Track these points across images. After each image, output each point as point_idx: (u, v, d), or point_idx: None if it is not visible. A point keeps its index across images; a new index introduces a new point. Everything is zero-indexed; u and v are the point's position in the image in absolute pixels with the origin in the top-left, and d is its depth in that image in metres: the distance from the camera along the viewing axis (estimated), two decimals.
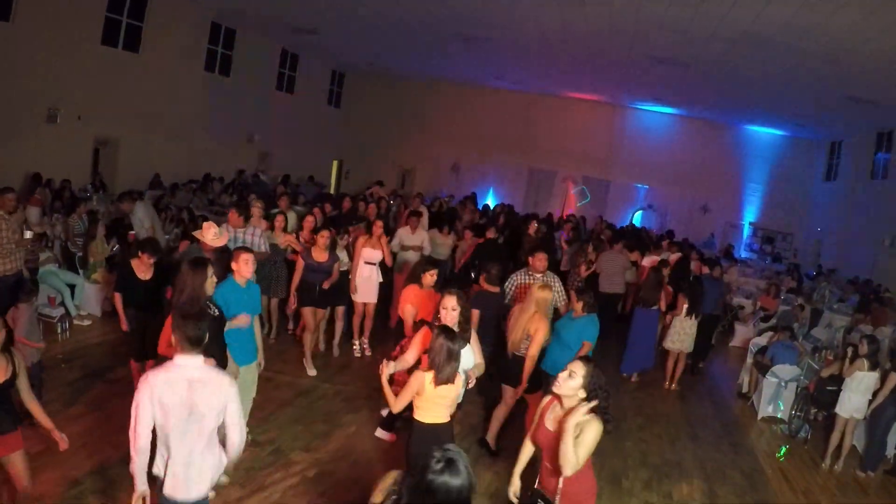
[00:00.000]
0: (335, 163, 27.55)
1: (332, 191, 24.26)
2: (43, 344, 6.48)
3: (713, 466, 7.48)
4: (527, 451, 4.36)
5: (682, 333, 9.85)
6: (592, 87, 22.02)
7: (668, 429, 8.46)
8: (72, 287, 9.30)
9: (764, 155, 23.62)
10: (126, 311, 6.89)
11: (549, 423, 4.05)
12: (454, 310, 5.39)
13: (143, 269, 7.00)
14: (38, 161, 13.57)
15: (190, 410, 3.61)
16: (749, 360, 10.54)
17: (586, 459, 3.83)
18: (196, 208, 14.38)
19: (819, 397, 8.46)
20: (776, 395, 9.22)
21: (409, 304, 6.95)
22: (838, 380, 7.95)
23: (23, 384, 4.40)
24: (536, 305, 6.48)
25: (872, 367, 7.60)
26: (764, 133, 23.54)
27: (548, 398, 4.16)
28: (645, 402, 9.27)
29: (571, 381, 3.89)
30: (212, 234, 6.84)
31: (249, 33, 19.77)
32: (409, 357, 5.46)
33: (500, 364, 6.76)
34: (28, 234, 7.99)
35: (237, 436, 3.82)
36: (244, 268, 5.86)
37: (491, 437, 6.90)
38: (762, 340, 10.61)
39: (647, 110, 24.27)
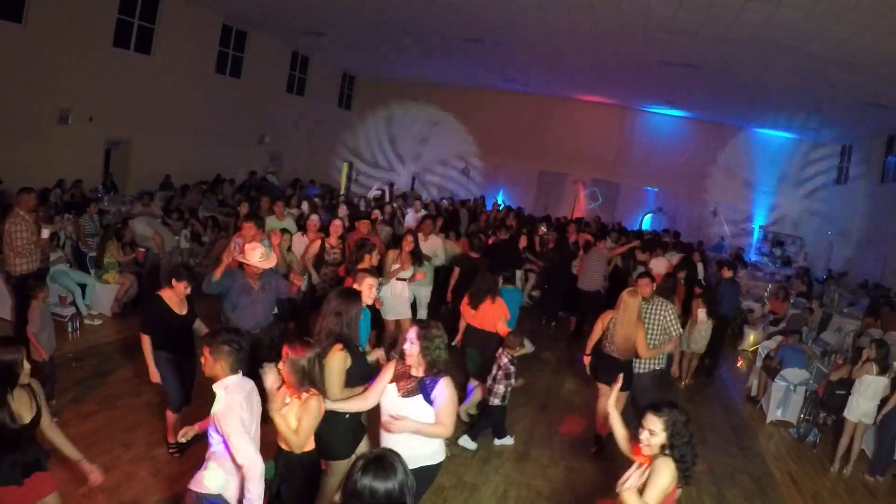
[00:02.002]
0: (345, 165, 27.63)
1: (341, 193, 24.29)
2: (46, 356, 6.49)
3: (722, 470, 7.46)
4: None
5: (698, 336, 9.99)
6: (602, 90, 22.03)
7: None
8: (83, 287, 9.36)
9: (774, 158, 23.53)
10: (157, 355, 5.70)
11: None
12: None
13: (177, 301, 5.80)
14: (49, 162, 13.69)
15: (254, 419, 3.90)
16: (758, 363, 10.51)
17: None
18: (206, 209, 14.45)
19: (828, 401, 8.42)
20: (785, 399, 9.19)
21: None
22: (847, 384, 7.92)
23: (45, 419, 4.02)
24: (632, 310, 6.82)
25: (881, 372, 7.57)
26: (774, 136, 23.45)
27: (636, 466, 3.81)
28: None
29: (655, 438, 3.63)
30: (258, 257, 6.17)
31: (260, 36, 19.85)
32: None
33: (600, 365, 7.09)
34: (45, 234, 8.07)
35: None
36: (368, 295, 5.31)
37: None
38: (771, 344, 10.58)
39: (657, 113, 24.23)
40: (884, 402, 7.61)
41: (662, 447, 3.63)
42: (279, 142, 22.26)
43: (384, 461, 2.58)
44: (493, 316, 7.55)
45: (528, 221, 17.23)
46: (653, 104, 23.12)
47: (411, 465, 3.80)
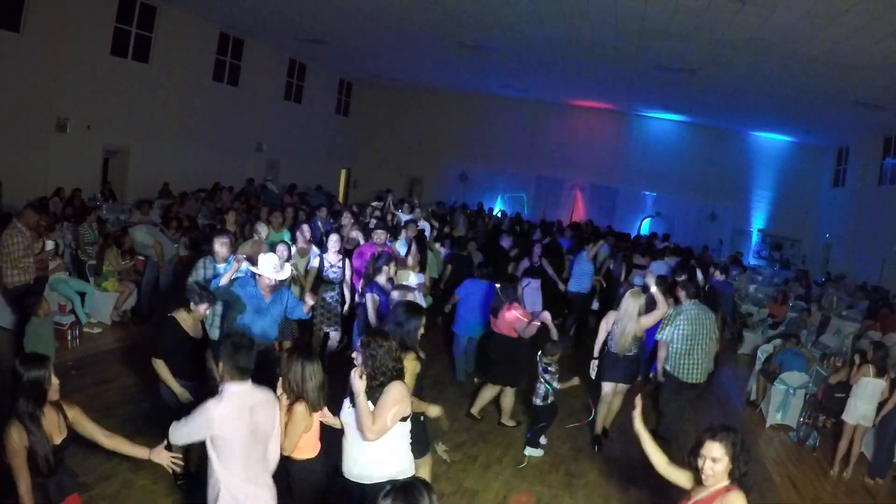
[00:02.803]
0: (343, 172, 27.64)
1: (340, 200, 24.30)
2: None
3: None
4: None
5: None
6: (600, 96, 22.07)
7: (677, 436, 8.44)
8: (82, 295, 9.35)
9: (771, 161, 23.62)
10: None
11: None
12: None
13: (192, 324, 5.54)
14: (47, 170, 13.71)
15: (253, 434, 3.83)
16: (757, 367, 10.52)
17: None
18: (205, 217, 14.45)
19: (827, 404, 8.43)
20: (785, 403, 9.19)
21: None
22: (846, 387, 7.92)
23: (88, 428, 3.90)
24: (632, 310, 7.25)
25: (879, 374, 7.57)
26: (771, 139, 23.53)
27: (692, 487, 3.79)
28: (652, 409, 9.24)
29: (719, 465, 3.53)
30: (272, 268, 6.06)
31: (258, 43, 19.89)
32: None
33: (606, 364, 7.50)
34: (49, 245, 8.08)
35: (276, 448, 4.06)
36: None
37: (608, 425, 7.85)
38: (770, 348, 10.60)
39: (654, 117, 24.28)
40: (882, 404, 7.61)
41: (730, 473, 3.55)
42: (277, 149, 22.27)
43: (412, 490, 2.49)
44: (509, 322, 7.62)
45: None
46: (649, 109, 23.17)
47: (375, 476, 4.09)
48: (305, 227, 9.38)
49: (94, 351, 8.65)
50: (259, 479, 3.90)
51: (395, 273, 7.98)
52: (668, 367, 7.98)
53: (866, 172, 19.24)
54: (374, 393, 4.12)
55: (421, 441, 5.08)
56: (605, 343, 7.57)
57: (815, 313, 13.25)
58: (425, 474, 5.22)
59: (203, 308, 5.52)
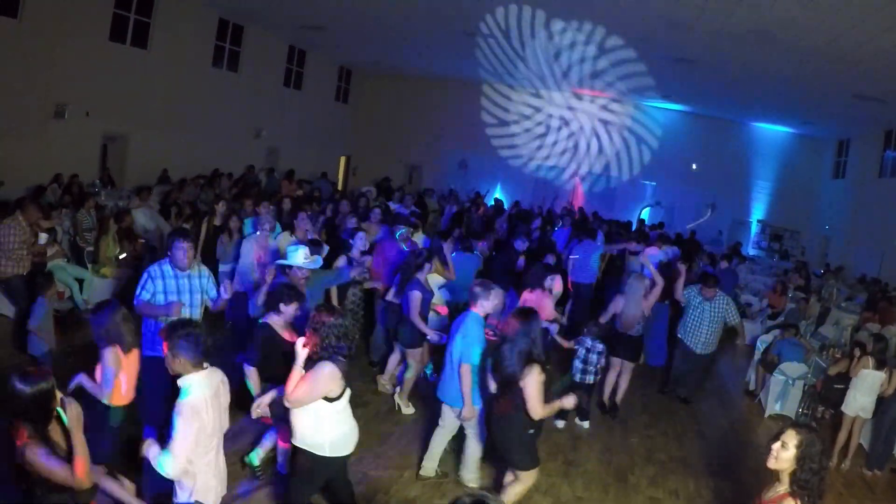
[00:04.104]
0: (343, 159, 27.57)
1: (339, 187, 24.24)
2: (47, 348, 6.50)
3: (720, 464, 7.47)
4: None
5: None
6: (598, 84, 21.95)
7: (675, 426, 8.46)
8: (80, 281, 9.34)
9: (772, 152, 23.59)
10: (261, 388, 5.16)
11: (765, 495, 3.71)
12: None
13: (282, 325, 5.33)
14: (46, 157, 13.65)
15: (219, 418, 3.86)
16: (756, 357, 10.52)
17: None
18: (204, 204, 14.41)
19: (826, 395, 8.44)
20: (783, 393, 9.20)
21: None
22: (846, 378, 7.91)
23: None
24: (638, 292, 8.00)
25: (879, 366, 7.57)
26: (772, 130, 23.48)
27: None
28: (651, 398, 9.26)
29: (785, 453, 3.49)
30: (302, 258, 6.04)
31: (257, 30, 19.79)
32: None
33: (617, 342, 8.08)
34: (43, 238, 8.04)
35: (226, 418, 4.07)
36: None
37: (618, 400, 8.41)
38: (769, 338, 10.60)
39: (656, 107, 24.20)
40: (882, 396, 7.62)
41: (792, 473, 3.49)
42: (276, 136, 22.20)
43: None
44: (541, 307, 7.54)
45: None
46: (651, 98, 23.08)
47: (298, 441, 4.32)
48: (303, 217, 8.90)
49: (92, 337, 8.62)
50: (221, 455, 3.98)
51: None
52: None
53: (867, 164, 19.22)
54: (312, 365, 4.28)
55: (531, 452, 5.16)
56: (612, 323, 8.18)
57: (814, 304, 13.24)
58: (522, 487, 5.21)
59: (293, 309, 5.32)
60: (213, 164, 18.21)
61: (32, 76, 13.34)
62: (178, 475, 3.65)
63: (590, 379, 7.59)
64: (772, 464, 3.55)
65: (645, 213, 23.97)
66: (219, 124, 19.16)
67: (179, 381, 3.70)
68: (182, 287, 5.58)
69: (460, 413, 5.72)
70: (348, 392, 4.46)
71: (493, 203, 20.25)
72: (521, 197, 23.37)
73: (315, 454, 4.36)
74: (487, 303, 5.77)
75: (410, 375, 7.45)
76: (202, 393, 3.68)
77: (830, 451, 7.95)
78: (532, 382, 4.79)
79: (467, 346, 5.55)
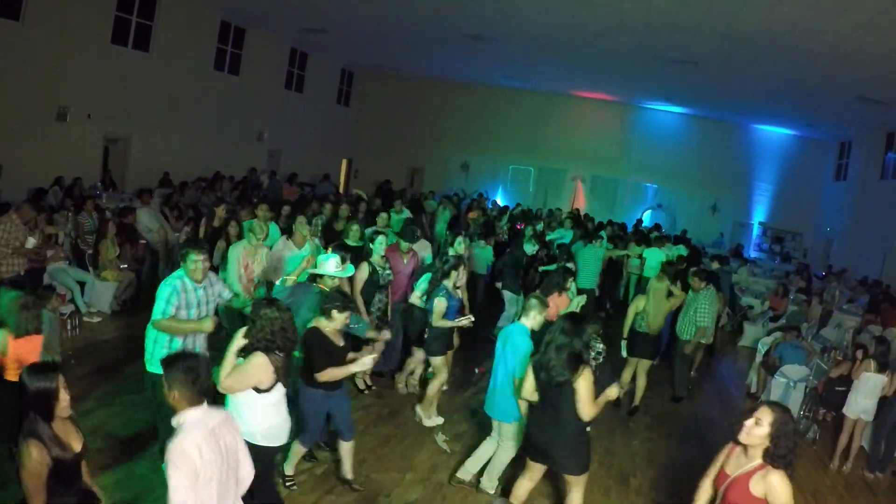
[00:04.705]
0: (344, 161, 27.59)
1: (340, 190, 24.24)
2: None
3: None
4: (705, 494, 4.08)
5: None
6: (603, 87, 22.00)
7: (677, 428, 8.45)
8: (81, 284, 9.34)
9: (774, 154, 23.57)
10: (310, 393, 5.37)
11: (730, 469, 3.86)
12: None
13: (333, 331, 5.33)
14: (48, 159, 13.66)
15: (224, 459, 3.37)
16: (757, 360, 10.52)
17: None
18: (205, 207, 14.42)
19: (828, 398, 8.44)
20: (785, 396, 9.19)
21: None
22: (847, 380, 7.91)
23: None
24: (660, 293, 8.42)
25: (880, 369, 7.56)
26: (774, 133, 23.47)
27: (730, 445, 3.95)
28: (653, 401, 9.24)
29: (758, 430, 3.65)
30: (334, 266, 5.99)
31: (259, 32, 19.80)
32: None
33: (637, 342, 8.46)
34: (31, 243, 8.00)
35: (249, 466, 3.68)
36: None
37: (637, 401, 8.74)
38: (771, 340, 10.59)
39: (657, 109, 24.21)
40: (884, 399, 7.61)
41: (765, 450, 3.64)
42: (278, 139, 22.22)
43: None
44: (559, 308, 7.57)
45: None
46: (652, 100, 23.10)
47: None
48: (301, 222, 8.52)
49: (94, 340, 8.64)
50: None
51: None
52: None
53: (868, 167, 19.20)
54: (247, 354, 4.36)
55: (587, 454, 5.15)
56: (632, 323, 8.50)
57: (815, 307, 13.23)
58: (579, 493, 5.15)
59: (345, 318, 5.28)
60: (215, 167, 18.22)
61: (34, 78, 13.36)
62: None
63: None
64: (743, 438, 3.68)
65: (647, 216, 23.98)
66: (220, 127, 19.17)
67: (172, 420, 3.33)
68: (200, 299, 5.46)
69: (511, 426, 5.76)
70: (280, 387, 4.46)
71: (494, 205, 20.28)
72: (523, 199, 23.38)
73: (247, 441, 4.29)
74: (540, 317, 5.81)
75: (436, 385, 7.29)
76: (195, 434, 3.24)
77: (832, 453, 7.96)
78: (584, 385, 4.79)
79: (519, 362, 5.55)
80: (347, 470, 5.72)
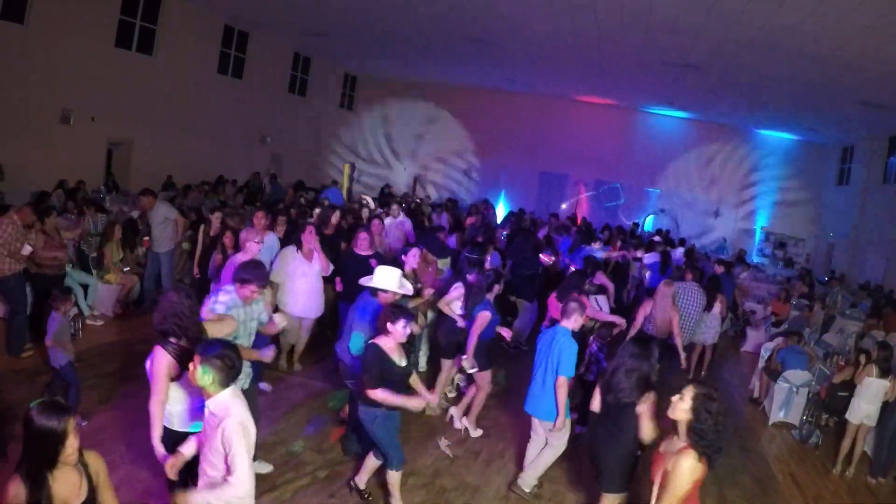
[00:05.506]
0: (346, 166, 27.64)
1: (344, 195, 24.24)
2: (66, 360, 6.53)
3: (723, 471, 7.42)
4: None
5: (708, 325, 10.59)
6: (604, 91, 22.01)
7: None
8: (85, 287, 9.35)
9: (776, 159, 23.56)
10: (371, 413, 5.20)
11: (663, 448, 4.04)
12: None
13: (393, 346, 5.16)
14: (51, 162, 13.69)
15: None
16: (760, 365, 10.51)
17: (682, 498, 3.76)
18: (208, 210, 14.41)
19: (830, 403, 8.42)
20: (787, 401, 9.17)
21: None
22: (850, 386, 7.89)
23: (106, 496, 3.38)
24: (668, 298, 8.74)
25: (883, 374, 7.55)
26: (776, 137, 23.46)
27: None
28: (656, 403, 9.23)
29: (681, 404, 3.80)
30: (396, 283, 5.85)
31: (262, 36, 19.86)
32: None
33: None
34: (27, 250, 8.00)
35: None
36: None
37: None
38: (773, 345, 10.58)
39: (660, 114, 24.22)
40: (886, 404, 7.59)
41: (688, 424, 3.75)
42: (280, 142, 22.27)
43: None
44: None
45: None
46: (655, 105, 23.11)
47: None
48: (311, 232, 8.17)
49: (97, 343, 8.64)
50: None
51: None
52: None
53: (871, 171, 19.19)
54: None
55: (625, 476, 5.14)
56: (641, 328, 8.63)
57: (818, 312, 13.21)
58: None
59: (401, 326, 5.06)
60: (218, 171, 18.27)
61: (38, 81, 13.40)
62: (245, 487, 3.55)
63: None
64: (670, 413, 3.84)
65: (649, 221, 23.98)
66: (223, 130, 19.22)
67: (209, 402, 3.61)
68: (246, 315, 5.35)
69: (552, 427, 5.81)
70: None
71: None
72: (526, 204, 23.40)
73: (164, 426, 4.35)
74: (581, 319, 5.93)
75: (481, 397, 7.28)
76: (242, 408, 3.61)
77: (835, 458, 7.95)
78: (650, 408, 4.91)
79: (565, 360, 5.66)
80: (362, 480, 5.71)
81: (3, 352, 7.70)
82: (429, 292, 7.78)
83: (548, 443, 6.02)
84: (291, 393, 7.77)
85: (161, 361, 4.21)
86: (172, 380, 4.28)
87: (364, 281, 6.03)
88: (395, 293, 5.88)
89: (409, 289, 6.09)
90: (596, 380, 7.56)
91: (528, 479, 6.12)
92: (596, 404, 5.24)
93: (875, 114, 15.67)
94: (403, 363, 5.18)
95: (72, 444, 3.01)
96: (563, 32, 14.19)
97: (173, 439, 4.24)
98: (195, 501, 3.60)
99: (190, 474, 3.94)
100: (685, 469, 3.68)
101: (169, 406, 4.34)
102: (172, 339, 4.26)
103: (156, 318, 4.34)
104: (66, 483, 3.05)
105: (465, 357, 6.94)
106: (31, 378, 7.09)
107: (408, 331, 5.11)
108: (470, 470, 6.55)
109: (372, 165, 27.09)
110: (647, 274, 12.92)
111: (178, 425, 4.40)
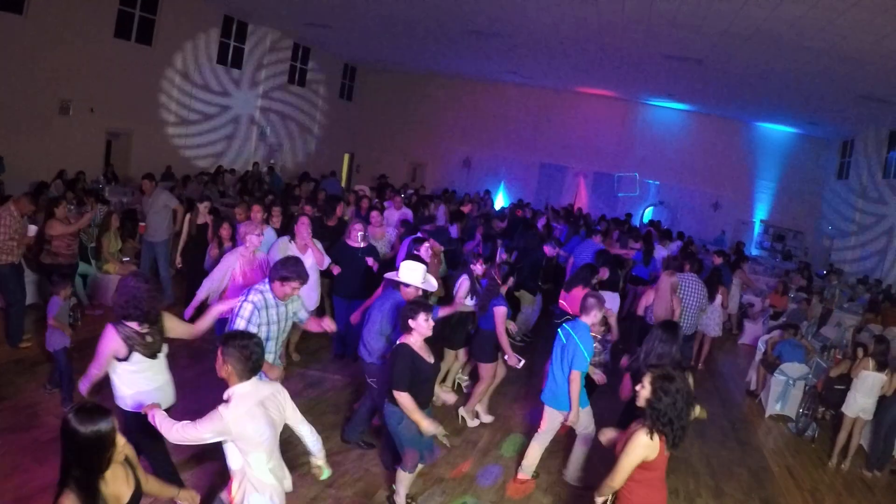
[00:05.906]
0: (346, 156, 27.62)
1: (343, 185, 24.26)
2: (68, 342, 6.58)
3: (720, 463, 7.48)
4: None
5: (709, 316, 10.70)
6: (605, 83, 21.98)
7: None
8: (84, 277, 9.36)
9: (776, 152, 23.56)
10: (394, 411, 5.08)
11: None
12: None
13: (421, 345, 5.07)
14: (50, 153, 13.69)
15: (271, 425, 3.69)
16: (757, 357, 10.54)
17: (628, 472, 3.86)
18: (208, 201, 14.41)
19: (827, 396, 8.44)
20: (784, 394, 9.20)
21: None
22: (847, 379, 7.92)
23: (148, 483, 3.35)
24: (669, 288, 9.01)
25: (879, 367, 7.57)
26: (776, 130, 23.45)
27: None
28: None
29: (643, 392, 3.93)
30: (421, 278, 5.84)
31: (262, 27, 19.82)
32: None
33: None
34: (32, 231, 8.03)
35: (308, 426, 4.12)
36: None
37: None
38: (770, 338, 10.61)
39: (660, 106, 24.19)
40: (883, 398, 7.62)
41: (647, 403, 3.88)
42: (280, 133, 22.26)
43: None
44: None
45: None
46: (656, 97, 23.09)
47: None
48: (304, 223, 7.88)
49: (96, 333, 8.53)
50: (282, 463, 3.87)
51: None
52: None
53: (871, 165, 19.18)
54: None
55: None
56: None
57: (816, 305, 13.24)
58: None
59: (422, 320, 4.95)
60: (217, 161, 18.26)
61: (37, 72, 13.38)
62: (182, 437, 3.61)
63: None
64: (637, 402, 3.98)
65: (648, 213, 23.99)
66: (223, 121, 19.19)
67: (225, 393, 3.65)
68: (280, 315, 5.30)
69: (567, 417, 5.91)
70: (138, 356, 4.45)
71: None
72: (524, 195, 23.40)
73: (118, 407, 4.45)
74: (599, 314, 6.00)
75: (482, 389, 7.25)
76: (241, 408, 3.56)
77: (830, 451, 7.98)
78: None
79: (578, 354, 5.71)
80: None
81: (3, 343, 7.71)
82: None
83: (577, 435, 6.16)
84: (288, 384, 7.74)
85: (109, 342, 4.37)
86: (120, 360, 4.41)
87: (390, 276, 6.02)
88: (417, 288, 5.86)
89: (433, 285, 6.07)
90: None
91: (571, 474, 6.29)
92: (626, 390, 5.37)
93: (875, 108, 15.66)
94: (431, 360, 5.11)
95: (120, 441, 2.92)
96: (564, 24, 14.16)
97: (123, 418, 4.38)
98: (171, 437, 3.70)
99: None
100: (633, 444, 3.81)
101: (121, 388, 4.52)
102: (129, 324, 4.37)
103: (116, 303, 4.43)
104: (116, 480, 2.98)
105: (506, 357, 6.95)
106: (31, 368, 7.11)
107: (431, 324, 4.99)
108: (467, 460, 6.58)
109: (372, 155, 27.05)
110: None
111: (130, 406, 4.51)
